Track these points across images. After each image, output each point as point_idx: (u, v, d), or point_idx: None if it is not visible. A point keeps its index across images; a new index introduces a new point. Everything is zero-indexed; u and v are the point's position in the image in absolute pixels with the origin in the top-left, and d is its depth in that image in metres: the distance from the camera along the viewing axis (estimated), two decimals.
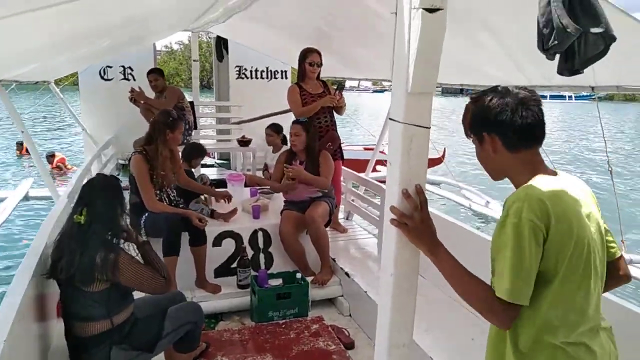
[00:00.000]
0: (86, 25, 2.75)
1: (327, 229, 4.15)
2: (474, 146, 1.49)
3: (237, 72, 8.08)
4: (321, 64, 4.52)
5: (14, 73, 4.09)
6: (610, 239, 1.48)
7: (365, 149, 10.98)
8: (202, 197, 4.35)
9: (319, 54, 4.50)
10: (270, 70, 8.25)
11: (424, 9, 1.27)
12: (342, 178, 5.02)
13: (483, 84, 3.65)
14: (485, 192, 9.32)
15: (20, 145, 13.18)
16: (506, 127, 1.36)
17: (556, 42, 1.43)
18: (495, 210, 7.86)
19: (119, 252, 2.33)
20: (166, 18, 4.01)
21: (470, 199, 9.00)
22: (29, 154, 7.72)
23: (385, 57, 4.32)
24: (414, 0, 1.29)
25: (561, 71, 1.54)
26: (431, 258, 1.42)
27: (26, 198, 6.60)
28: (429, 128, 1.41)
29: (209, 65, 23.94)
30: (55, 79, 6.63)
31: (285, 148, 5.05)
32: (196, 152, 4.60)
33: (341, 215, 5.29)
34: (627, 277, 1.54)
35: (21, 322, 2.14)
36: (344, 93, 4.73)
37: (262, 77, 8.23)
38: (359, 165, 5.84)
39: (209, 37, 10.41)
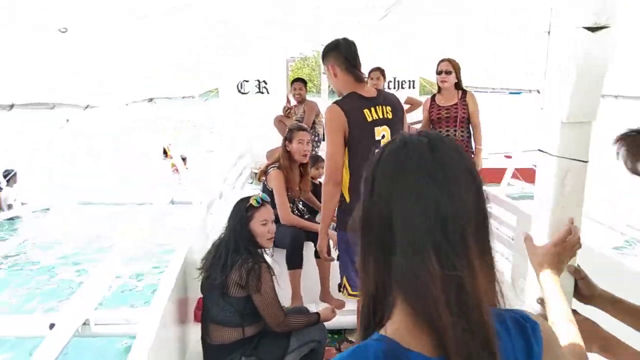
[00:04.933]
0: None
1: None
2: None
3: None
4: (452, 72, 4.28)
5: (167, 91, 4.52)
6: None
7: (506, 156, 10.40)
8: None
9: (450, 61, 4.29)
10: (398, 81, 8.16)
11: (585, 27, 1.11)
12: None
13: None
14: None
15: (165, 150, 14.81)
16: None
17: None
18: None
19: (262, 265, 2.45)
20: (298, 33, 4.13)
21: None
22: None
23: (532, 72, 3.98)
24: (573, 18, 1.13)
25: None
26: None
27: (172, 202, 7.26)
28: (587, 162, 1.23)
29: None
30: (199, 94, 7.23)
31: None
32: (317, 164, 4.66)
33: None
34: None
35: (165, 326, 2.32)
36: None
37: (389, 88, 8.18)
38: (497, 174, 5.52)
39: None
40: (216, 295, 2.46)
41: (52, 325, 2.91)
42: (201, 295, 2.65)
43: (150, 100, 4.04)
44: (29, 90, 1.96)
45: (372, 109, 2.62)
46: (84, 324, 3.17)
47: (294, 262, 3.54)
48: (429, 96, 4.51)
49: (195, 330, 2.71)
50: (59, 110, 2.42)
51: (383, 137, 2.62)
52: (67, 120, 2.72)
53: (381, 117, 2.62)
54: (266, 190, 3.76)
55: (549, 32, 1.23)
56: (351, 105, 2.59)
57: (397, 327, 0.76)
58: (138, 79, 2.89)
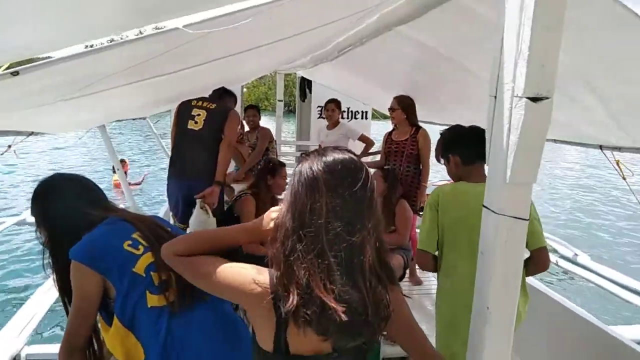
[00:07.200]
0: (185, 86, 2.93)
1: (402, 282, 4.00)
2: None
3: (319, 112, 8.23)
4: (396, 109, 4.42)
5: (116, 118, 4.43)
6: (532, 230, 1.88)
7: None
8: None
9: (396, 99, 4.44)
10: (351, 111, 8.33)
11: (527, 97, 1.19)
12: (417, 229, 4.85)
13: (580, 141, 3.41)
14: (573, 242, 8.51)
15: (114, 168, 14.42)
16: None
17: None
18: (587, 264, 6.94)
19: None
20: (257, 69, 4.18)
21: (557, 252, 8.27)
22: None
23: (473, 110, 4.15)
24: (516, 87, 1.21)
25: None
26: None
27: None
28: (528, 220, 1.30)
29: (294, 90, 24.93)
30: (150, 115, 7.08)
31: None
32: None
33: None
34: (543, 267, 2.11)
35: None
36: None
37: (342, 118, 8.33)
38: None
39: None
40: None
41: None
42: None
43: (102, 126, 3.94)
44: None
45: (200, 101, 3.83)
46: None
47: None
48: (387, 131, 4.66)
49: None
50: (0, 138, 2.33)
51: (198, 115, 3.76)
52: (9, 147, 2.62)
53: (203, 106, 3.79)
54: (231, 215, 3.70)
55: (495, 97, 1.31)
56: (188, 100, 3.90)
57: None
58: (90, 109, 2.82)
